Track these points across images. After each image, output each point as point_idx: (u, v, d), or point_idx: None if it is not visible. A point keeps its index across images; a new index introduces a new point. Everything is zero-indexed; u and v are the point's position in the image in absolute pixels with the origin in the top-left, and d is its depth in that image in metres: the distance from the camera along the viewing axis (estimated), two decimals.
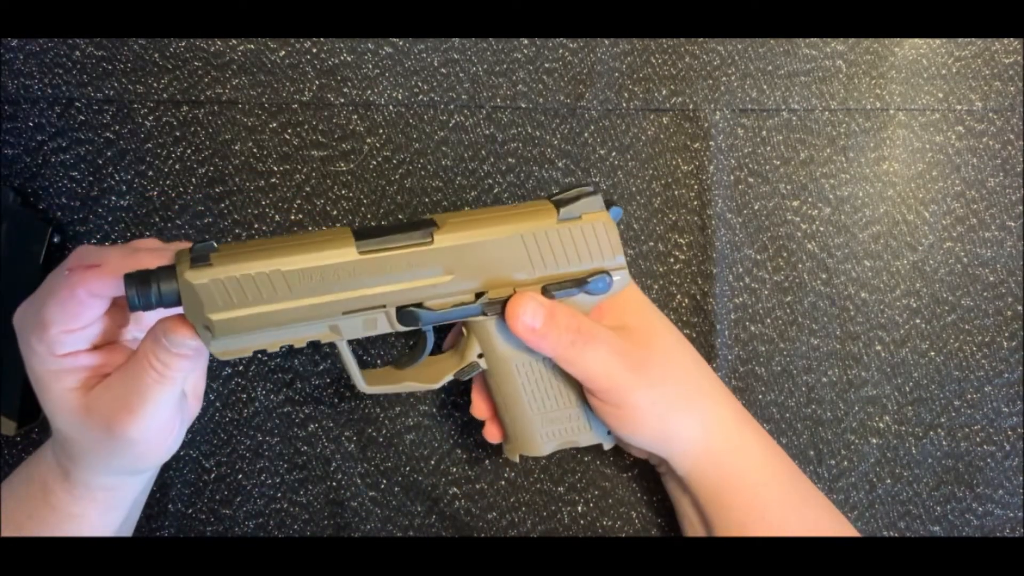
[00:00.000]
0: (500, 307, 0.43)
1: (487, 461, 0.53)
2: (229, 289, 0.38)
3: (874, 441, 0.53)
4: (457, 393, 0.53)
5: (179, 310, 0.39)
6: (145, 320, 0.44)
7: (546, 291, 0.43)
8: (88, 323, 0.39)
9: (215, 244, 0.39)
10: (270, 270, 0.38)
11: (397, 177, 0.53)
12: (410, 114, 0.53)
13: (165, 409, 0.40)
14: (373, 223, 0.53)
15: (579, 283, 0.43)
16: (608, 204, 0.45)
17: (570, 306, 0.44)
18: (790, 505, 0.45)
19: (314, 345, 0.53)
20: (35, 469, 0.44)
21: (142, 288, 0.37)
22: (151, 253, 0.40)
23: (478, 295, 0.43)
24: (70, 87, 0.52)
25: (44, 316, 0.38)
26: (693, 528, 0.48)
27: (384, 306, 0.41)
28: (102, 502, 0.43)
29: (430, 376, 0.46)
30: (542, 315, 0.43)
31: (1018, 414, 0.53)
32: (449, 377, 0.45)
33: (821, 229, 0.54)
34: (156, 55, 0.52)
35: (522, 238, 0.42)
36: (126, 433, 0.39)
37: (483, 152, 0.53)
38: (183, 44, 0.52)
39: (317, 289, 0.40)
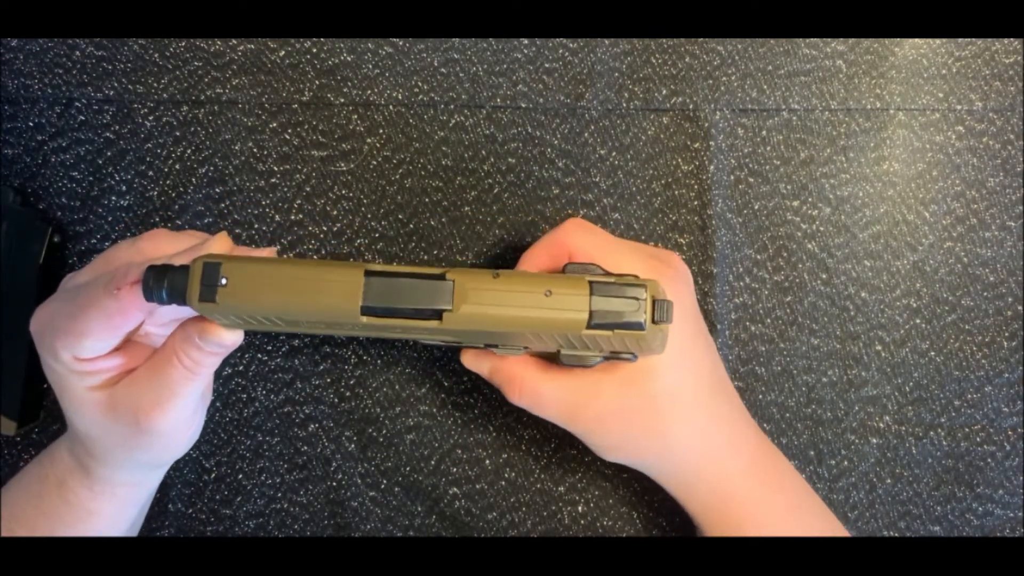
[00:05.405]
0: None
1: (487, 461, 0.53)
2: (234, 317, 0.38)
3: (874, 441, 0.53)
4: (457, 393, 0.53)
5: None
6: (159, 315, 0.44)
7: (557, 356, 0.42)
8: (126, 333, 0.40)
9: (224, 279, 0.36)
10: (274, 315, 0.38)
11: (397, 177, 0.53)
12: (410, 114, 0.53)
13: (192, 402, 0.41)
14: (375, 224, 0.53)
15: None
16: (662, 306, 0.38)
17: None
18: (771, 524, 0.45)
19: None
20: (49, 468, 0.44)
21: (157, 283, 0.38)
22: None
23: (487, 343, 0.43)
24: (70, 87, 0.52)
25: (82, 326, 0.38)
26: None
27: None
28: (121, 497, 0.44)
29: None
30: (486, 369, 0.45)
31: (1018, 414, 0.53)
32: None
33: (821, 229, 0.54)
34: (156, 55, 0.52)
35: (541, 336, 0.39)
36: (154, 427, 0.40)
37: (483, 152, 0.53)
38: (183, 44, 0.52)
39: (322, 328, 0.40)
